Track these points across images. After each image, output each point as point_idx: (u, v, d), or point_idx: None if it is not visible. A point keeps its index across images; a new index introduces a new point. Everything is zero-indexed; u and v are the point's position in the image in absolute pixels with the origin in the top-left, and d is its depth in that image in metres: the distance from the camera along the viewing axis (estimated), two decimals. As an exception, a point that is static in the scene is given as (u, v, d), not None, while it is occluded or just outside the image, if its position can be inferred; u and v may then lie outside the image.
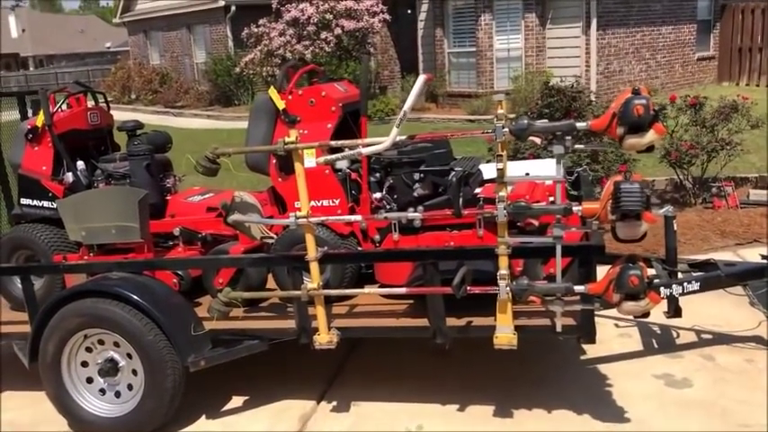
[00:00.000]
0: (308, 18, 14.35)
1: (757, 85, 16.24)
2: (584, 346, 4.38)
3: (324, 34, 14.36)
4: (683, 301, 4.10)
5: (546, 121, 3.30)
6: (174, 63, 23.54)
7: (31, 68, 47.69)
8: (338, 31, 14.32)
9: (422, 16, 16.67)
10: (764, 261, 4.11)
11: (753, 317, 4.58)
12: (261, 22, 15.17)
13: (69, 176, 4.54)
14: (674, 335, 4.55)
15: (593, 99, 7.99)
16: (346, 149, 3.43)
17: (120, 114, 19.04)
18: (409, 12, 17.20)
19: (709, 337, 4.49)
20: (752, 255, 5.63)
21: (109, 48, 48.80)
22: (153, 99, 22.00)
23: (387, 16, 15.11)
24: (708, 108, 7.42)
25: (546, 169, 4.53)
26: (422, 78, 3.24)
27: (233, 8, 20.07)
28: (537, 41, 15.08)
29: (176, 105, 20.85)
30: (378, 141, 3.29)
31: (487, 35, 15.09)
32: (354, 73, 15.38)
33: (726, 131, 7.27)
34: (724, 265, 4.13)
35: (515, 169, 4.36)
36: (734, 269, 4.09)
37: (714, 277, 4.00)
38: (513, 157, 6.44)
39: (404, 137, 3.32)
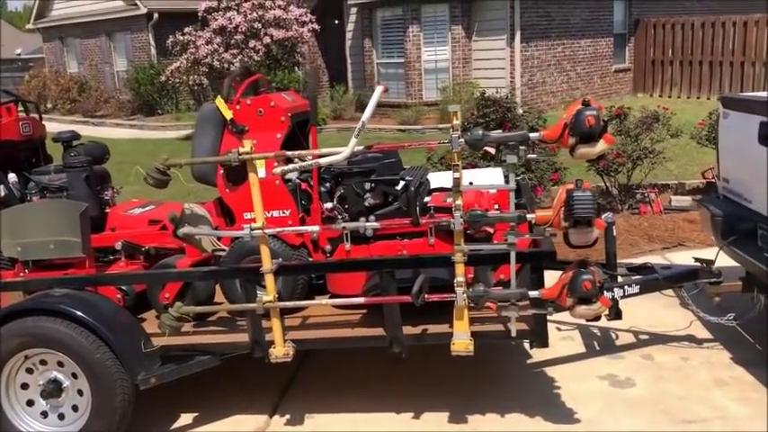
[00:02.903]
0: (235, 27, 14.17)
1: (669, 97, 17.09)
2: (531, 350, 4.49)
3: (252, 43, 14.21)
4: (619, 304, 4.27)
5: (500, 131, 3.37)
6: (94, 71, 22.78)
7: (-66, 75, 45.09)
8: (267, 39, 14.20)
9: (350, 27, 16.76)
10: (698, 264, 4.32)
11: (684, 317, 4.83)
12: (186, 30, 14.87)
13: (1, 189, 4.34)
14: (614, 336, 4.73)
15: (522, 110, 8.24)
16: (305, 159, 3.41)
17: (38, 124, 17.71)
18: (337, 22, 17.25)
19: (647, 337, 4.68)
20: (678, 258, 5.93)
21: (19, 54, 46.68)
22: (71, 108, 21.20)
23: (315, 26, 15.10)
24: (631, 118, 7.78)
25: (488, 178, 4.65)
26: (379, 89, 3.28)
27: (155, 15, 19.63)
28: (464, 53, 15.40)
29: (96, 115, 20.18)
30: (335, 152, 3.29)
31: (416, 46, 15.31)
32: (283, 82, 15.29)
33: (649, 140, 7.63)
34: (661, 268, 4.32)
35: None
36: (670, 272, 4.28)
37: (652, 280, 4.18)
38: (448, 167, 6.56)
39: (361, 147, 3.33)
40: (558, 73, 16.20)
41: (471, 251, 3.32)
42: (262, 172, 3.70)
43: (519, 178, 5.08)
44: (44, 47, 25.98)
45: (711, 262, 4.26)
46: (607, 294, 4.00)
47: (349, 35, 16.83)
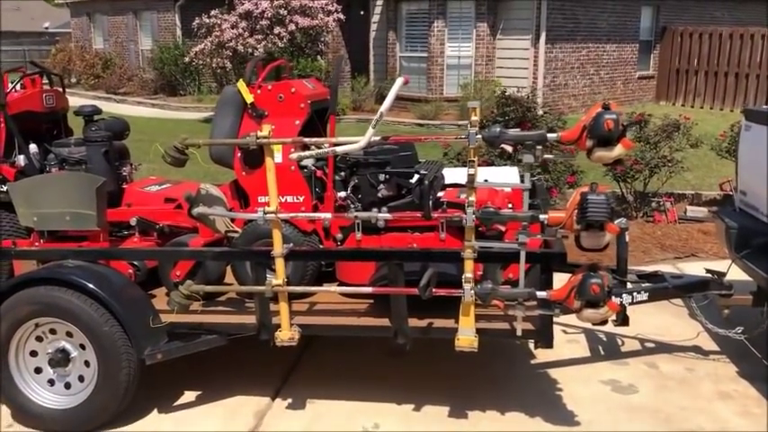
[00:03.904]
0: (261, 12, 14.20)
1: (692, 106, 16.95)
2: (535, 351, 4.49)
3: (277, 29, 14.23)
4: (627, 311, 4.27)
5: (518, 129, 3.37)
6: (119, 49, 22.92)
7: (-38, 44, 45.56)
8: (292, 27, 14.22)
9: (375, 18, 16.74)
10: (709, 275, 4.30)
11: (692, 327, 4.81)
12: (213, 12, 14.93)
13: (21, 159, 4.39)
14: (620, 342, 4.72)
15: (544, 111, 8.20)
16: (321, 147, 3.43)
17: (61, 98, 17.89)
18: (362, 13, 17.23)
19: (652, 345, 4.67)
20: (690, 268, 5.90)
21: (47, 28, 47.02)
22: (95, 84, 21.36)
23: (341, 15, 15.10)
24: (651, 125, 7.72)
25: (503, 176, 4.65)
26: (399, 80, 3.28)
27: (182, -4, 19.72)
28: (487, 51, 15.36)
29: (119, 92, 20.31)
30: (352, 141, 3.31)
31: (439, 41, 15.27)
32: (306, 70, 15.31)
33: (668, 149, 7.58)
34: (671, 277, 4.30)
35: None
36: (680, 281, 4.26)
37: (662, 288, 4.17)
38: (464, 164, 6.55)
39: (378, 137, 3.35)
40: (582, 76, 16.11)
41: (481, 248, 3.33)
42: (278, 157, 3.72)
43: (535, 179, 5.09)
44: (72, 22, 26.17)
45: (723, 274, 4.24)
46: (615, 300, 4.02)
47: (374, 27, 16.81)
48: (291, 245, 3.60)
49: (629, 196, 7.83)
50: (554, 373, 4.29)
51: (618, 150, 2.99)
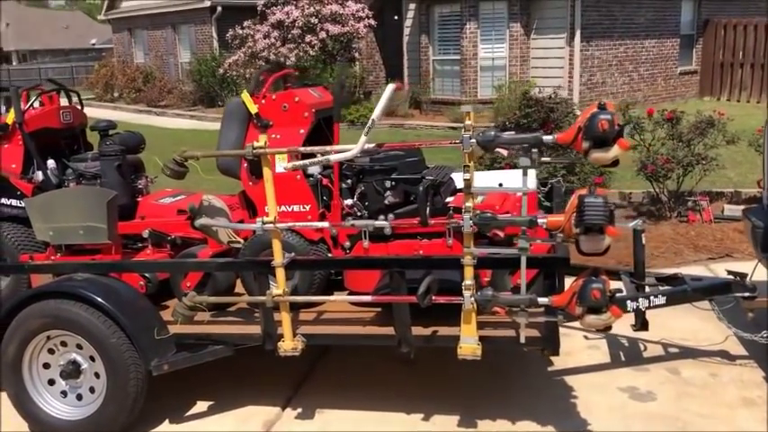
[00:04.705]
0: (292, 21, 14.34)
1: (738, 101, 16.44)
2: (553, 358, 4.39)
3: (308, 38, 14.35)
4: (652, 314, 4.12)
5: (513, 132, 3.30)
6: (159, 62, 23.43)
7: (15, 63, 47.26)
8: (323, 35, 14.31)
9: (408, 23, 16.72)
10: (731, 277, 4.14)
11: (720, 331, 4.63)
12: (246, 23, 15.13)
13: (39, 175, 4.49)
14: (642, 348, 4.58)
15: (577, 111, 8.04)
16: (317, 155, 3.41)
17: (102, 112, 18.79)
18: (396, 18, 17.23)
19: (676, 350, 4.52)
20: (723, 269, 5.68)
21: (94, 44, 48.42)
22: (136, 98, 21.87)
23: (372, 21, 15.13)
24: (684, 123, 7.49)
25: (519, 180, 4.56)
26: (390, 87, 3.25)
27: (219, 9, 20.04)
28: (521, 51, 15.18)
29: (159, 105, 20.75)
30: (346, 149, 3.28)
31: (472, 43, 15.16)
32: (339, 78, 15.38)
33: (702, 146, 7.34)
34: (690, 279, 4.14)
35: (489, 179, 4.37)
36: (700, 284, 4.10)
37: (680, 292, 4.02)
38: (490, 166, 6.48)
39: (372, 144, 3.32)
40: (620, 74, 15.79)
41: (483, 254, 3.27)
42: (282, 167, 3.73)
43: (555, 181, 4.98)
44: (114, 37, 26.87)
45: (745, 275, 4.07)
46: (631, 304, 3.90)
47: (407, 31, 16.79)
48: (293, 254, 3.59)
49: (663, 196, 7.62)
50: (570, 380, 4.18)
51: (614, 151, 2.89)
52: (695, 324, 4.80)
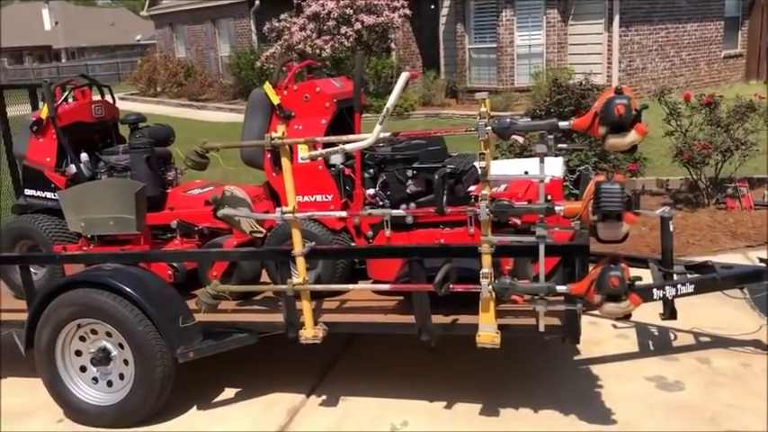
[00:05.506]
0: (328, 13, 14.37)
1: (786, 84, 15.92)
2: (579, 347, 4.34)
3: (344, 29, 14.37)
4: (684, 303, 4.05)
5: (529, 119, 3.27)
6: (199, 56, 23.77)
7: (63, 60, 48.49)
8: (358, 26, 14.32)
9: (444, 11, 16.62)
10: (763, 264, 4.03)
11: (754, 320, 4.51)
12: (282, 16, 15.23)
13: (72, 168, 4.61)
14: (672, 337, 4.50)
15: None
16: (338, 145, 3.43)
17: (145, 107, 19.12)
18: (432, 7, 17.14)
19: (707, 339, 4.43)
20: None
21: (139, 40, 49.43)
22: (178, 92, 22.23)
23: (407, 11, 15.08)
24: (724, 107, 7.29)
25: (547, 168, 4.51)
26: (404, 75, 3.24)
27: (257, 2, 20.19)
28: (559, 38, 14.96)
29: (200, 98, 21.05)
30: (362, 138, 3.30)
31: (509, 31, 15.00)
32: (376, 68, 15.38)
33: (742, 131, 7.14)
34: (721, 267, 4.05)
35: (516, 167, 4.34)
36: (730, 272, 4.01)
37: (710, 280, 3.94)
38: (520, 154, 6.41)
39: (387, 134, 3.32)
40: (660, 59, 15.44)
41: (500, 242, 3.25)
42: (300, 157, 3.76)
43: (583, 168, 4.92)
44: (156, 33, 27.34)
45: (776, 263, 3.97)
46: (658, 293, 3.84)
47: (443, 20, 16.69)
48: (313, 244, 3.62)
49: (701, 182, 7.44)
50: (596, 369, 4.13)
51: (631, 137, 2.84)
52: (728, 313, 4.70)
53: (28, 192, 4.71)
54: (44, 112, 4.60)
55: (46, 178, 4.61)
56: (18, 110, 5.49)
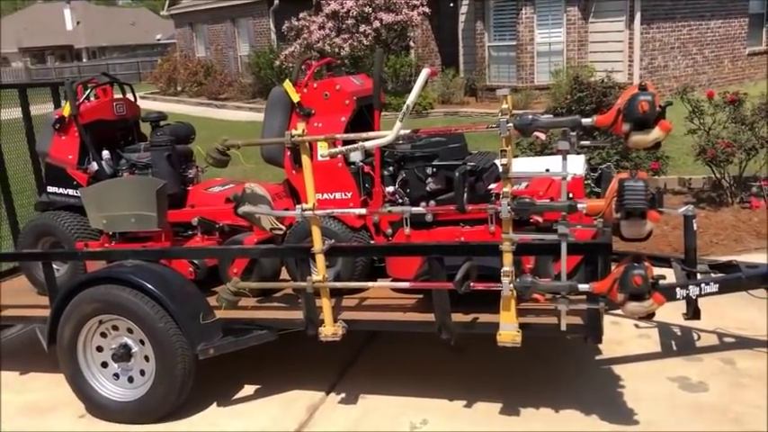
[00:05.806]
0: (347, 11, 14.37)
1: (811, 82, 15.66)
2: (602, 347, 4.30)
3: (363, 27, 14.36)
4: (709, 303, 3.99)
5: (551, 116, 3.24)
6: (219, 56, 23.87)
7: (84, 60, 48.99)
8: (377, 24, 14.30)
9: (463, 9, 16.54)
10: (789, 264, 3.97)
11: (780, 321, 4.45)
12: (301, 15, 15.26)
13: (93, 165, 4.65)
14: (695, 337, 4.44)
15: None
16: (358, 142, 3.43)
17: (165, 106, 19.25)
18: (451, 5, 17.08)
19: (732, 340, 4.36)
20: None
21: (159, 39, 49.77)
22: (197, 91, 22.34)
23: (426, 9, 15.03)
24: (748, 105, 7.19)
25: (569, 165, 4.47)
26: (425, 72, 3.23)
27: (276, 1, 20.24)
28: (579, 35, 14.83)
29: (220, 97, 21.14)
30: (382, 135, 3.28)
31: (528, 29, 14.90)
32: (394, 67, 15.36)
33: (767, 129, 7.03)
34: (746, 266, 3.99)
35: (537, 165, 4.31)
36: (755, 271, 3.94)
37: (734, 279, 3.88)
38: (540, 152, 6.37)
39: (408, 131, 3.31)
40: (683, 56, 15.25)
41: (522, 240, 3.22)
42: (320, 154, 3.75)
43: (605, 166, 4.86)
44: (176, 32, 27.51)
45: (803, 263, 3.90)
46: (681, 292, 3.79)
47: (462, 18, 16.62)
48: (333, 241, 3.62)
49: (725, 181, 7.34)
50: (618, 369, 4.09)
51: (655, 134, 2.80)
52: (754, 314, 4.62)
53: (50, 189, 4.75)
54: (66, 110, 4.64)
55: (68, 175, 4.65)
56: (41, 108, 5.56)
